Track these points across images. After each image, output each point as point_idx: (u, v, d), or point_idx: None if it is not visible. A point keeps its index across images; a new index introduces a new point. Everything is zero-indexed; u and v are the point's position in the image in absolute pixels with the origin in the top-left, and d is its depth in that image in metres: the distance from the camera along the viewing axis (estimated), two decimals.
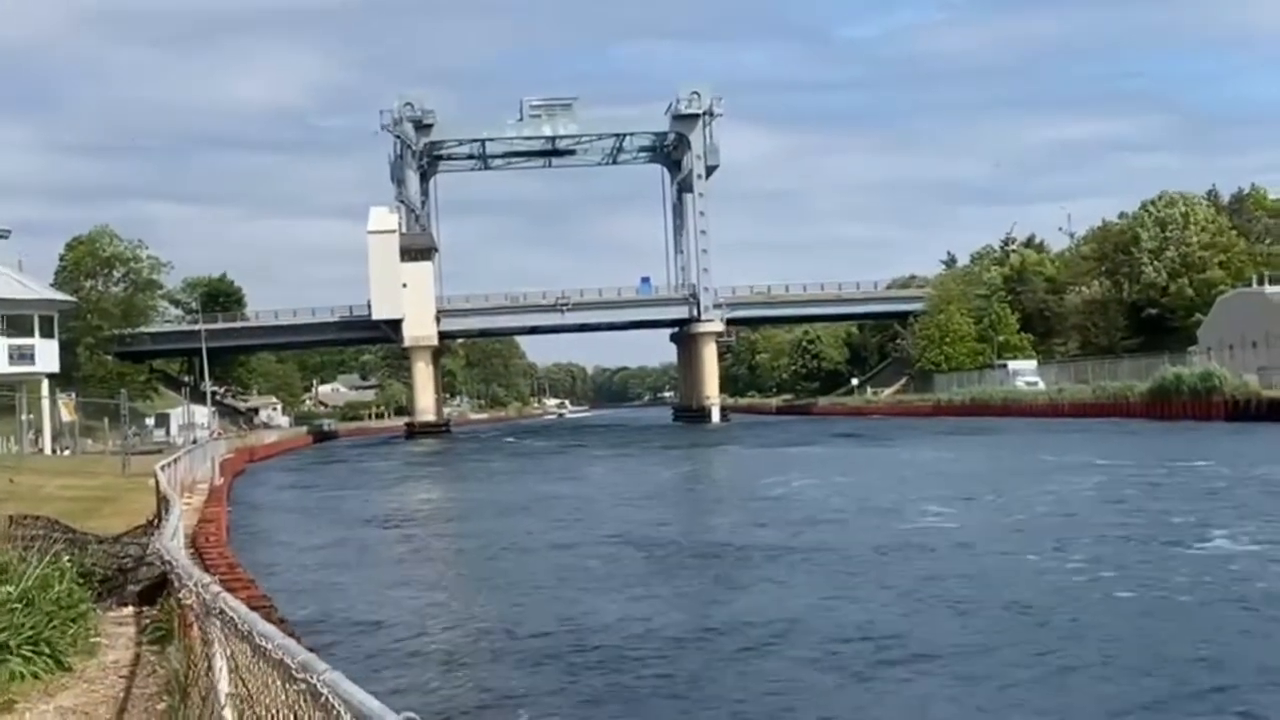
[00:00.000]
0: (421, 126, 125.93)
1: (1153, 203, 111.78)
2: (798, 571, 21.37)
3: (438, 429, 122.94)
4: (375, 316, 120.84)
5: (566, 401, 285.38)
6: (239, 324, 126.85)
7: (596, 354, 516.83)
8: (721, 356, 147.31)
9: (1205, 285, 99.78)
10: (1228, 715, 11.65)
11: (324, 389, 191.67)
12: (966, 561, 21.54)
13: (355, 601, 20.54)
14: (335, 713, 3.79)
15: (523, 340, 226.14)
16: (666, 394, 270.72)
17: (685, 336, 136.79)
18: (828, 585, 19.58)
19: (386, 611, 19.25)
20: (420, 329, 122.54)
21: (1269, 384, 73.38)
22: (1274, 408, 66.32)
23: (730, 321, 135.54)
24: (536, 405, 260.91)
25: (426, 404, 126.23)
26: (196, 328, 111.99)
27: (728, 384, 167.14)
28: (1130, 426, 69.12)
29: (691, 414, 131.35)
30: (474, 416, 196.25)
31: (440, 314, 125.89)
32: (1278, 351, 79.99)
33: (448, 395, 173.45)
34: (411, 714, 3.31)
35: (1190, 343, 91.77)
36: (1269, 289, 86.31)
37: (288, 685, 4.55)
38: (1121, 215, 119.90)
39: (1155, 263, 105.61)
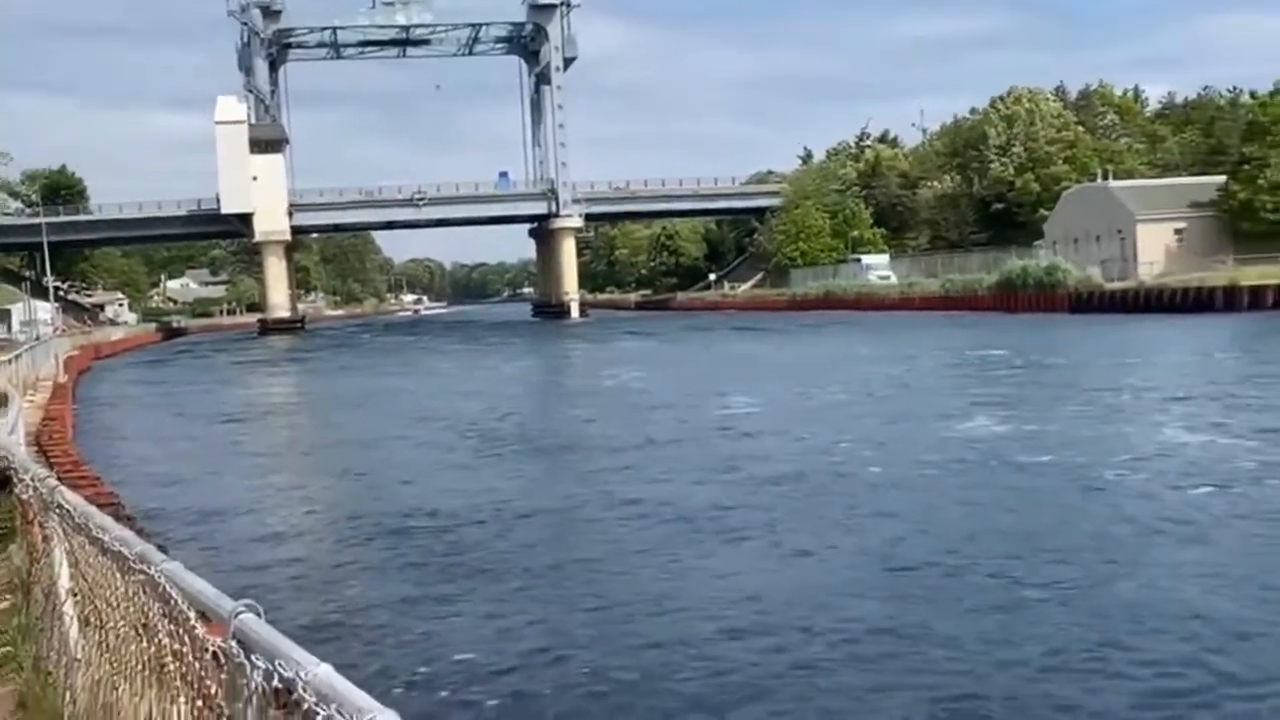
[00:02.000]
0: (270, 13, 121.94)
1: (1001, 99, 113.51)
2: (614, 456, 22.50)
3: (292, 325, 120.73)
4: (225, 210, 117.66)
5: (424, 297, 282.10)
6: (82, 217, 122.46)
7: (454, 250, 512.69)
8: (580, 252, 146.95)
9: (1052, 180, 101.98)
10: (925, 549, 13.74)
11: (172, 285, 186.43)
12: (755, 443, 23.07)
13: (200, 494, 20.50)
14: (173, 603, 3.70)
15: (379, 236, 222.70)
16: (526, 290, 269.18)
17: (544, 232, 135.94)
18: (638, 468, 20.88)
19: (230, 502, 19.37)
20: (272, 223, 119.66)
21: (1111, 277, 75.75)
22: (1114, 300, 68.56)
23: (589, 217, 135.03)
24: (393, 301, 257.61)
25: (279, 300, 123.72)
26: (37, 221, 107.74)
27: (587, 280, 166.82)
28: (974, 319, 71.03)
29: (551, 310, 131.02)
30: (329, 313, 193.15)
31: (293, 208, 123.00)
32: (1120, 245, 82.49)
33: (302, 291, 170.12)
34: (250, 601, 3.24)
35: (1037, 237, 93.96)
36: (1113, 184, 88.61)
37: (126, 577, 4.44)
38: (973, 111, 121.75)
39: (1003, 158, 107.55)
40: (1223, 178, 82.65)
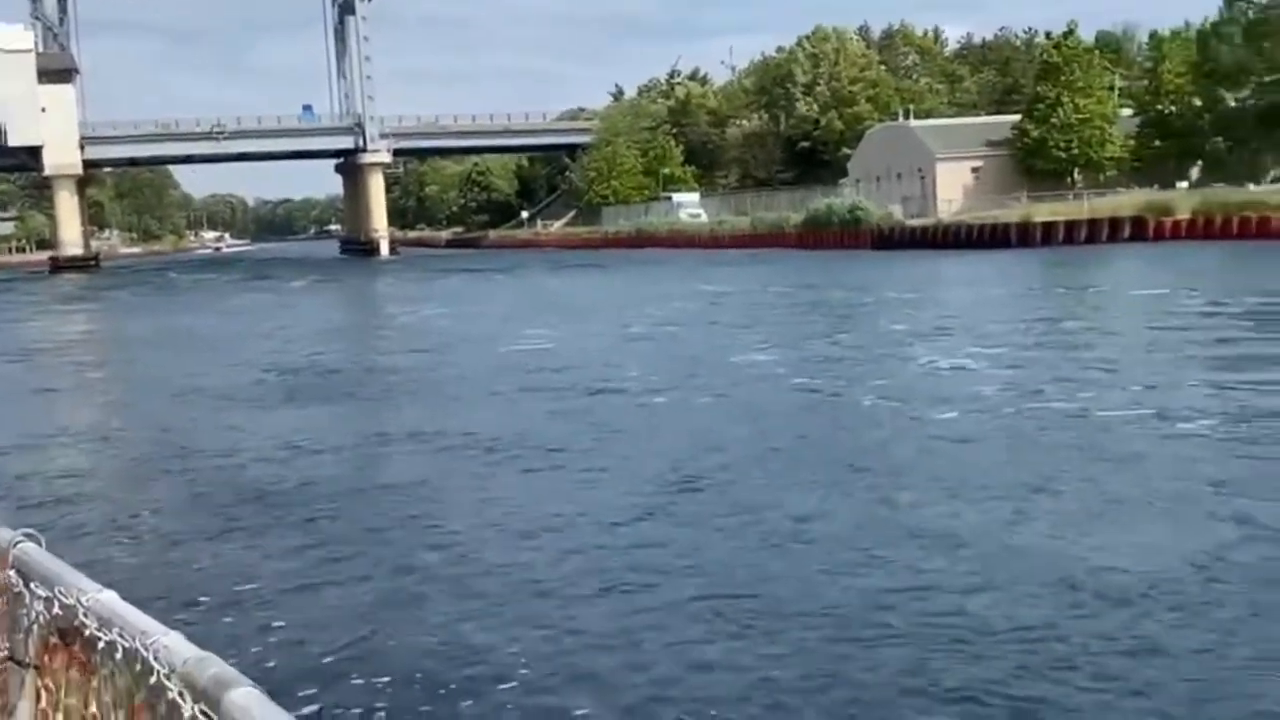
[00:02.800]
0: None
1: (807, 38, 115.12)
2: (409, 392, 22.76)
3: (86, 263, 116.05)
4: (11, 143, 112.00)
5: (226, 234, 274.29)
6: None
7: (258, 186, 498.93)
8: (389, 188, 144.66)
9: (855, 119, 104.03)
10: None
11: None
12: (550, 376, 23.47)
13: None
14: None
15: (178, 171, 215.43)
16: (333, 227, 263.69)
17: (351, 167, 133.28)
18: (432, 402, 21.12)
19: (26, 439, 18.74)
20: (62, 156, 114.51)
21: (912, 214, 77.94)
22: (915, 236, 70.62)
23: (398, 152, 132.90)
24: (193, 239, 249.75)
25: (72, 237, 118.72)
26: None
27: (396, 217, 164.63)
28: (782, 256, 72.45)
29: (359, 247, 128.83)
30: (125, 250, 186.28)
31: (84, 141, 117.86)
32: (920, 183, 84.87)
33: (96, 228, 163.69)
34: (29, 529, 3.12)
35: (843, 175, 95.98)
36: (913, 123, 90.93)
37: None
38: (780, 50, 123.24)
39: (808, 97, 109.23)
40: (1017, 117, 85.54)
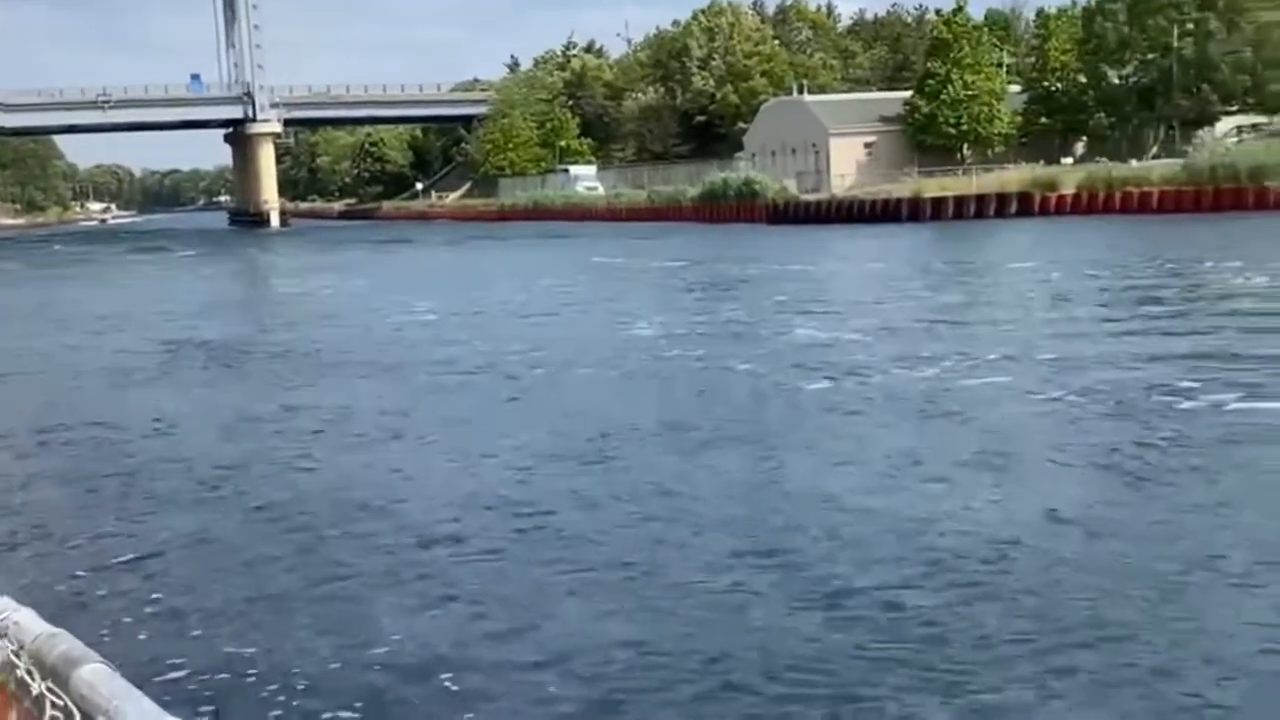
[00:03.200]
0: None
1: (703, 11, 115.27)
2: (282, 364, 22.83)
3: None
4: None
5: (113, 206, 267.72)
6: None
7: (146, 156, 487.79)
8: (280, 159, 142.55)
9: (750, 93, 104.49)
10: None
11: None
12: (432, 349, 23.68)
13: None
14: None
15: (62, 141, 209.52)
16: (223, 198, 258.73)
17: (240, 137, 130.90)
18: (306, 374, 21.33)
19: None
20: None
21: (806, 189, 78.59)
22: (809, 211, 71.18)
23: (288, 122, 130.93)
24: (79, 210, 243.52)
25: None
26: None
27: (288, 188, 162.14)
28: (677, 229, 72.68)
29: (249, 219, 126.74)
30: (8, 222, 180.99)
31: None
32: (814, 158, 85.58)
33: None
34: None
35: (738, 149, 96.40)
36: (807, 98, 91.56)
37: None
38: (675, 23, 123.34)
39: (704, 71, 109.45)
40: (909, 93, 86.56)
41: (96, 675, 2.02)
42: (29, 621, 2.28)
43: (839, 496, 11.32)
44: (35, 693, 2.07)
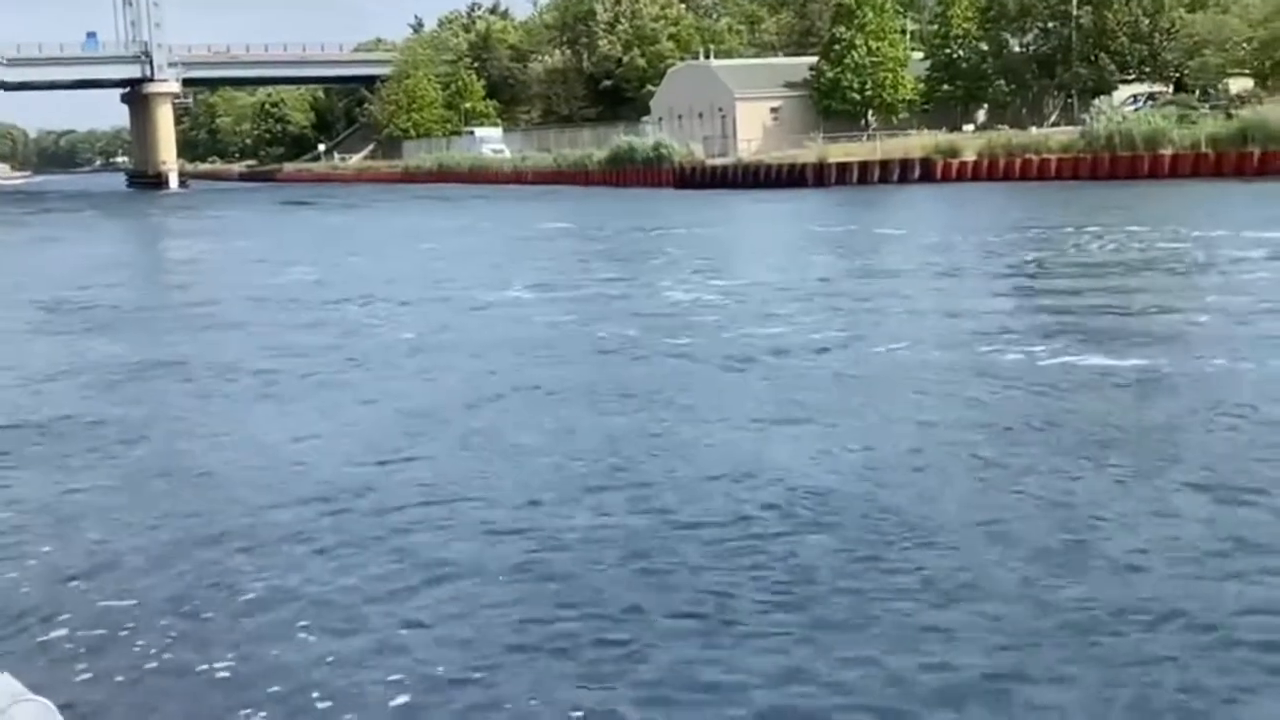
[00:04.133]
0: None
1: None
2: (162, 323, 23.35)
3: None
4: None
5: (5, 167, 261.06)
6: None
7: (40, 117, 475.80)
8: (179, 120, 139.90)
9: (658, 57, 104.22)
10: None
11: None
12: (306, 311, 24.06)
13: None
14: None
15: None
16: (120, 160, 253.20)
17: (138, 98, 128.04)
18: (184, 331, 21.80)
19: None
20: None
21: (713, 153, 78.64)
22: (715, 175, 71.31)
23: (187, 82, 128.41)
24: None
25: None
26: None
27: (187, 149, 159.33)
28: (582, 193, 72.52)
29: (147, 180, 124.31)
30: None
31: None
32: (721, 122, 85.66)
33: None
34: None
35: (646, 113, 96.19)
36: (714, 63, 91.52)
37: None
38: None
39: (610, 35, 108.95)
40: (815, 59, 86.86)
41: (36, 713, 1.97)
42: None
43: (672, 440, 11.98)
44: None
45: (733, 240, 38.96)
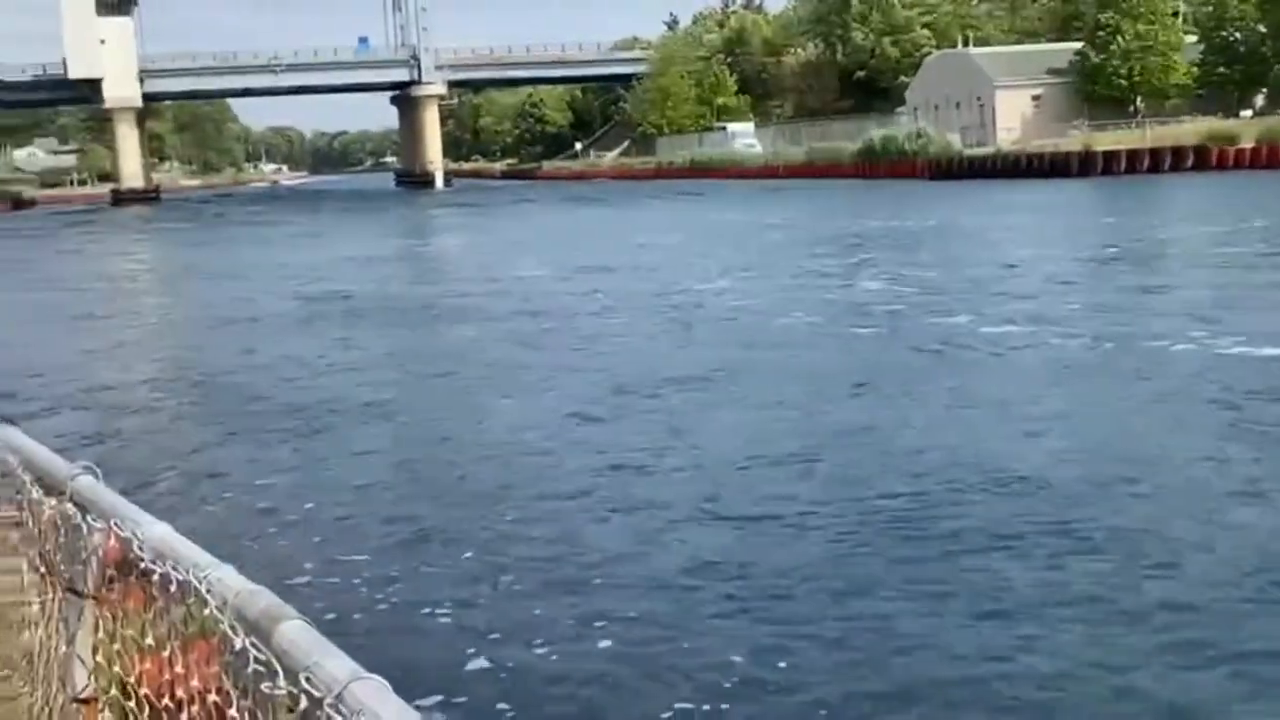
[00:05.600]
0: None
1: None
2: (445, 315, 24.23)
3: (146, 196, 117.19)
4: (72, 75, 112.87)
5: (284, 167, 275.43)
6: None
7: (315, 118, 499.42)
8: (444, 121, 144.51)
9: (913, 46, 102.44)
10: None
11: (19, 154, 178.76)
12: (517, 302, 25.00)
13: (45, 362, 20.11)
14: (10, 468, 3.63)
15: (236, 104, 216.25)
16: (389, 160, 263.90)
17: (406, 100, 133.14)
18: (473, 322, 22.66)
19: (77, 370, 19.27)
20: (122, 89, 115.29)
21: (970, 143, 76.88)
22: (973, 166, 69.71)
23: (452, 84, 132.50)
24: (252, 171, 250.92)
25: (133, 170, 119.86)
26: None
27: (451, 149, 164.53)
28: (836, 186, 71.80)
29: (414, 180, 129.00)
30: (185, 183, 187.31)
31: (144, 74, 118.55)
32: (979, 111, 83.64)
33: (156, 161, 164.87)
34: (88, 463, 3.20)
35: (899, 104, 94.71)
36: (973, 50, 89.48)
37: None
38: None
39: (863, 26, 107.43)
40: (1079, 44, 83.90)
41: (298, 631, 2.07)
42: (229, 578, 2.36)
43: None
44: (238, 646, 2.14)
45: (1014, 235, 36.06)
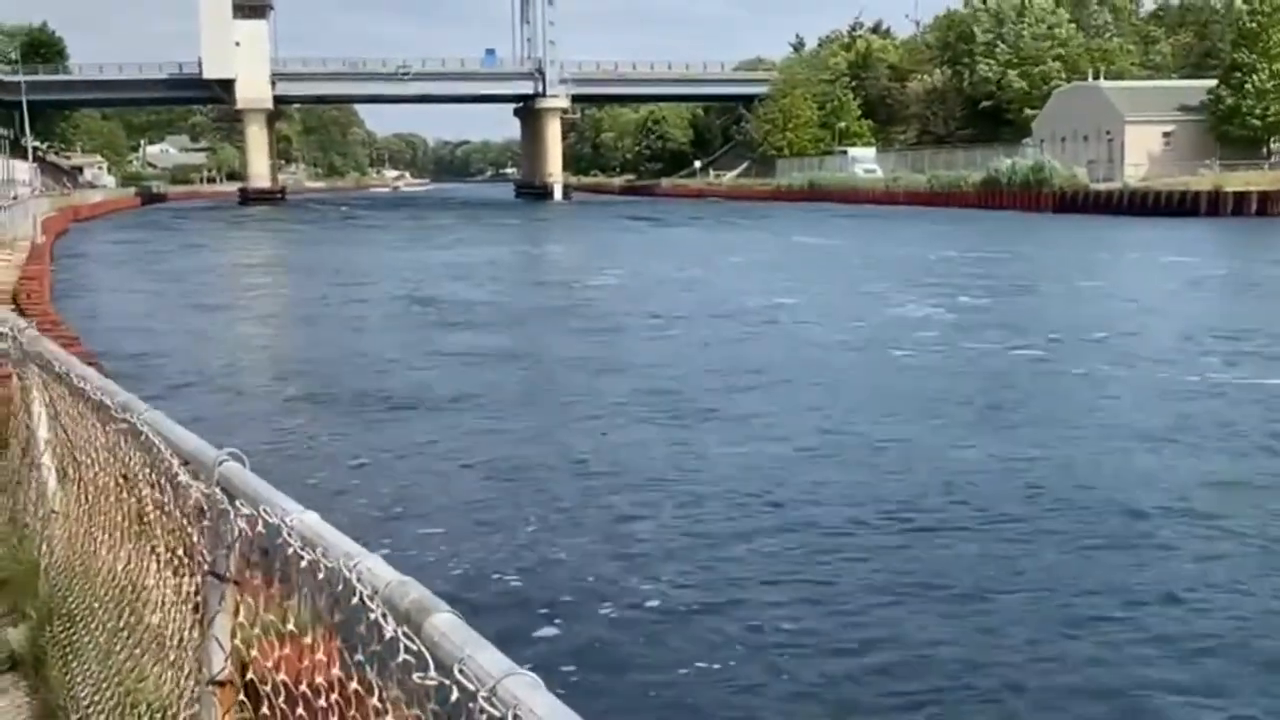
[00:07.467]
0: None
1: None
2: (577, 329, 24.34)
3: (272, 196, 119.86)
4: (206, 75, 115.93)
5: (406, 174, 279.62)
6: (62, 77, 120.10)
7: (438, 126, 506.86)
8: (565, 134, 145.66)
9: (1041, 78, 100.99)
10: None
11: (152, 150, 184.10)
12: (662, 325, 24.07)
13: (179, 353, 20.88)
14: (156, 452, 3.69)
15: (362, 109, 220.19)
16: (509, 170, 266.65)
17: (529, 112, 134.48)
18: (602, 336, 23.19)
19: (208, 360, 19.99)
20: (254, 91, 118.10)
21: (1097, 177, 75.52)
22: (1099, 201, 68.46)
23: (576, 98, 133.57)
24: (375, 176, 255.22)
25: (261, 170, 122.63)
26: (16, 79, 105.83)
27: (571, 162, 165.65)
28: (957, 216, 70.79)
29: (534, 191, 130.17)
30: (310, 185, 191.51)
31: (276, 77, 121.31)
32: (1107, 146, 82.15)
33: (283, 162, 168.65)
34: (234, 449, 3.24)
35: (1025, 135, 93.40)
36: (1104, 84, 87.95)
37: (107, 427, 4.41)
38: (966, 4, 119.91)
39: (988, 58, 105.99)
40: (1212, 81, 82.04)
41: (449, 624, 2.07)
42: (379, 568, 2.37)
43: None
44: (389, 636, 2.14)
45: (1138, 278, 35.02)
